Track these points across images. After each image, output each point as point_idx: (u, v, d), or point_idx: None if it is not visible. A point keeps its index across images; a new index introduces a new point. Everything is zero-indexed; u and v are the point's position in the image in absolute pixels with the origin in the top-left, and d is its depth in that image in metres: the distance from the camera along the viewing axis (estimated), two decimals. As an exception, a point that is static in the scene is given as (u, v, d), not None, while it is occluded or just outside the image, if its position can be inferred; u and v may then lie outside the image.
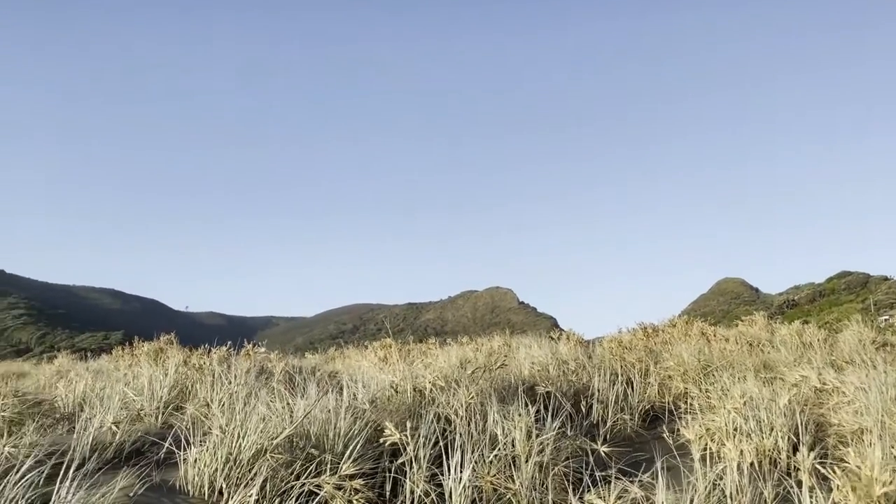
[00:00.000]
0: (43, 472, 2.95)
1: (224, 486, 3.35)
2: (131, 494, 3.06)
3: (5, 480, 2.92)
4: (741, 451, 3.76)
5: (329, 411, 3.93)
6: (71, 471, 2.81)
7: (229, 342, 7.83)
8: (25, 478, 2.88)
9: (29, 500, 2.73)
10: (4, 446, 3.45)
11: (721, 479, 3.49)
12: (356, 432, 3.81)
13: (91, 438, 3.83)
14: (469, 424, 4.08)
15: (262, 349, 7.00)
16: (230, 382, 5.29)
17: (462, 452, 3.53)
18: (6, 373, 11.84)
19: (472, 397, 4.46)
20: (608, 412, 5.50)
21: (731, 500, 3.41)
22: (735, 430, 4.61)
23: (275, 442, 3.49)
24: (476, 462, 3.60)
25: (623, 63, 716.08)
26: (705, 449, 4.17)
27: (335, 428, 3.79)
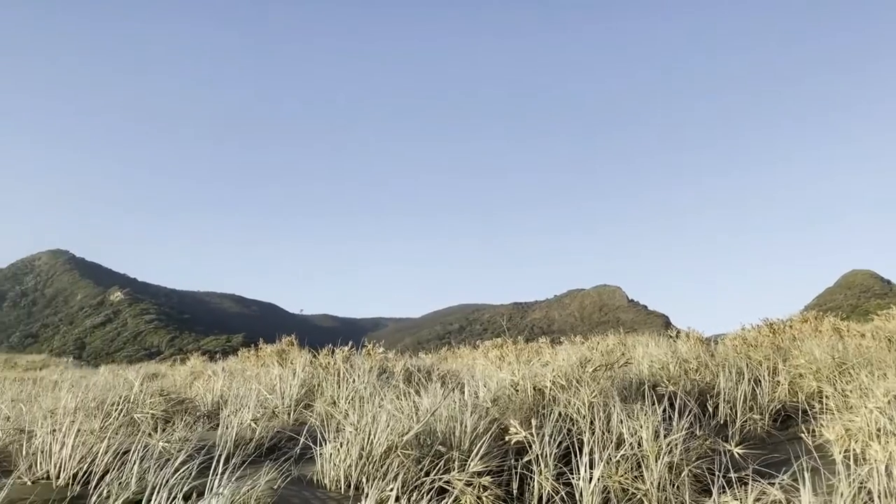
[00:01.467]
0: (195, 465, 3.17)
1: (362, 480, 3.48)
2: (275, 487, 3.24)
3: (164, 472, 3.16)
4: (890, 453, 3.54)
5: (453, 409, 4.00)
6: (221, 464, 3.01)
7: (350, 343, 8.10)
8: (179, 471, 3.11)
9: (187, 490, 2.93)
10: (159, 441, 3.73)
11: (867, 481, 3.30)
12: (481, 430, 3.86)
13: (234, 434, 4.09)
14: (592, 424, 4.05)
15: (381, 349, 7.21)
16: (354, 381, 5.49)
17: (590, 452, 3.51)
18: (146, 374, 12.76)
19: (595, 396, 4.41)
20: (736, 412, 5.29)
21: (880, 503, 3.21)
22: (879, 430, 4.32)
23: (404, 439, 3.60)
24: (603, 462, 3.57)
25: (721, 50, 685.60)
26: (846, 450, 3.94)
27: (461, 426, 3.86)
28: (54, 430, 4.08)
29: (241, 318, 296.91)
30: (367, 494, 2.71)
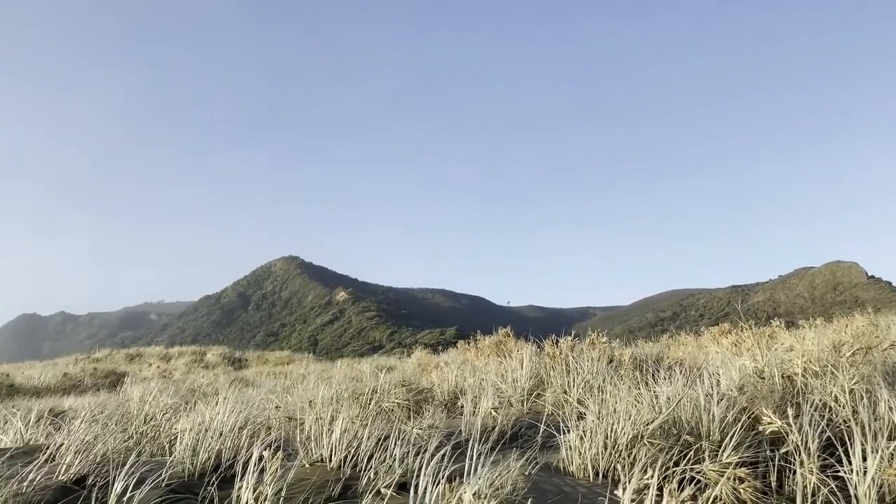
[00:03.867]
0: (447, 450, 3.36)
1: (609, 469, 3.50)
2: (526, 473, 3.35)
3: (420, 458, 3.40)
4: None
5: (696, 398, 3.87)
6: (474, 449, 3.17)
7: (562, 332, 8.08)
8: (435, 456, 3.32)
9: (446, 473, 3.12)
10: (413, 428, 4.03)
11: None
12: (730, 420, 3.69)
13: (480, 423, 4.29)
14: (855, 412, 3.70)
15: (605, 338, 7.13)
16: (583, 370, 5.50)
17: (860, 443, 3.21)
18: (378, 366, 13.76)
19: (856, 382, 4.02)
20: None
21: None
22: None
23: (649, 428, 3.54)
24: (878, 455, 3.24)
25: None
26: None
27: (708, 415, 3.72)
28: (318, 419, 4.55)
29: (452, 311, 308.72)
30: (625, 483, 2.71)
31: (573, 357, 5.82)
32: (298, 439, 4.20)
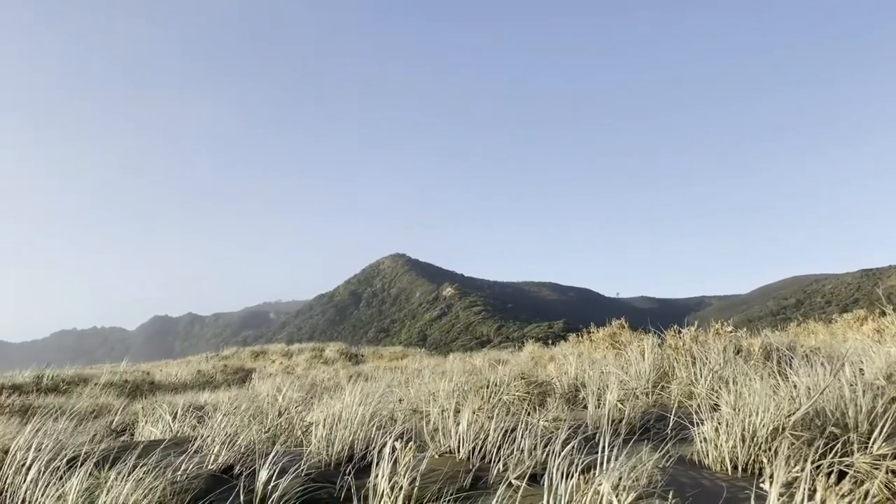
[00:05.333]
0: (576, 442, 3.34)
1: (749, 462, 3.36)
2: (660, 466, 3.27)
3: (548, 450, 3.40)
4: None
5: (839, 388, 3.65)
6: (604, 441, 3.12)
7: (676, 324, 7.81)
8: (565, 448, 3.29)
9: (578, 465, 3.09)
10: (539, 420, 4.02)
11: None
12: (880, 410, 3.46)
13: (608, 414, 4.23)
14: None
15: (730, 328, 6.84)
16: (709, 361, 5.30)
17: None
18: (491, 360, 13.84)
19: None
20: None
21: None
22: None
23: (791, 419, 3.38)
24: None
25: None
26: None
27: (855, 405, 3.50)
28: (443, 411, 4.63)
29: (559, 304, 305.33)
30: (771, 476, 2.59)
31: (698, 347, 5.63)
32: (425, 431, 4.29)
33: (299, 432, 4.98)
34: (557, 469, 2.86)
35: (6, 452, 4.12)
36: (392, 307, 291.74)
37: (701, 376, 5.05)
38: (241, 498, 3.28)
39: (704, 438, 3.61)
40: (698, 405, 4.34)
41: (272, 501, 3.24)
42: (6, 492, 3.55)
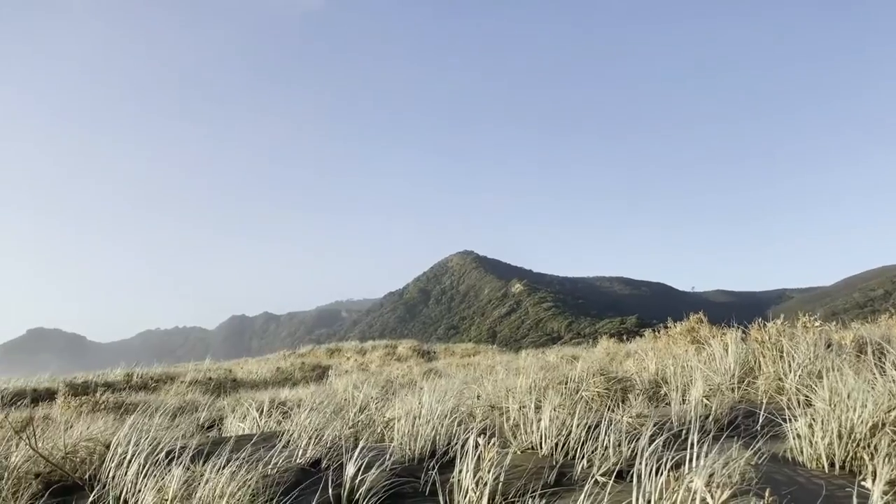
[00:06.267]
0: (661, 439, 3.27)
1: (862, 459, 3.23)
2: (753, 463, 3.18)
3: (636, 445, 3.35)
4: None
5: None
6: (694, 437, 3.04)
7: (773, 317, 7.53)
8: (651, 445, 3.23)
9: (665, 461, 3.02)
10: (623, 416, 3.97)
11: None
12: None
13: (694, 410, 4.13)
14: None
15: (818, 321, 6.57)
16: (798, 355, 5.11)
17: None
18: (564, 356, 13.69)
19: None
20: None
21: None
22: None
23: (892, 415, 3.22)
24: None
25: None
26: None
27: (963, 401, 3.32)
28: (522, 407, 4.62)
29: (632, 299, 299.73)
30: (875, 473, 2.48)
31: (786, 341, 5.43)
32: (505, 427, 4.29)
33: (380, 428, 5.07)
34: (645, 465, 2.81)
35: (107, 447, 4.35)
36: (461, 304, 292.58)
37: (790, 371, 4.87)
38: (330, 491, 3.37)
39: (798, 435, 3.48)
40: (788, 400, 4.19)
41: (360, 495, 3.31)
42: (110, 484, 3.74)
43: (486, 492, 3.06)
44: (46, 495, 3.81)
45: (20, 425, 7.00)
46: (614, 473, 3.25)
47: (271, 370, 19.43)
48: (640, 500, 2.69)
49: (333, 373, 18.33)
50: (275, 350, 33.05)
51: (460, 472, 3.22)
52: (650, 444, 3.14)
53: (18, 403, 10.76)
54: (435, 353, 26.61)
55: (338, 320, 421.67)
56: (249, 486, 3.32)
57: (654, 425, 3.73)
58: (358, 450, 3.51)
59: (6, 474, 4.00)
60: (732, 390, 5.13)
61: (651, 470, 2.78)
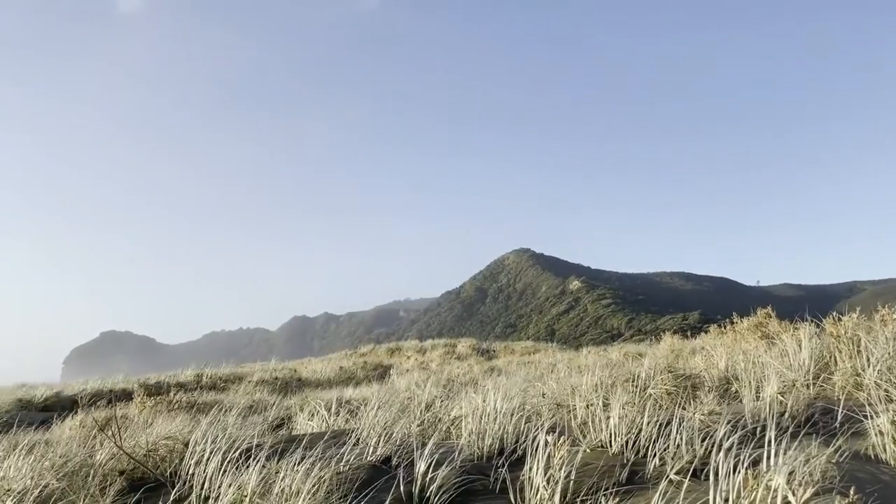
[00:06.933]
0: (736, 437, 3.20)
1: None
2: (834, 461, 3.09)
3: (710, 443, 3.29)
4: None
5: None
6: (772, 435, 2.96)
7: (846, 310, 7.27)
8: (725, 443, 3.17)
9: (742, 460, 2.96)
10: (695, 413, 3.91)
11: None
12: None
13: (769, 407, 4.03)
14: None
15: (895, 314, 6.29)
16: (877, 350, 4.93)
17: None
18: (627, 353, 13.52)
19: None
20: None
21: None
22: None
23: None
24: None
25: None
26: None
27: None
28: (589, 405, 4.59)
29: (694, 294, 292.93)
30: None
31: (863, 335, 5.23)
32: (573, 425, 4.27)
33: (446, 426, 5.11)
34: (723, 464, 2.76)
35: (186, 445, 4.51)
36: (518, 302, 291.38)
37: (868, 365, 4.70)
38: (402, 488, 3.42)
39: (880, 431, 3.37)
40: (868, 396, 4.05)
41: (431, 492, 3.35)
42: (190, 481, 3.89)
43: (558, 490, 3.06)
44: (131, 492, 3.98)
45: (102, 424, 7.32)
46: (689, 472, 3.20)
47: (334, 369, 19.75)
48: (718, 498, 2.64)
49: (395, 372, 18.54)
50: (336, 350, 33.61)
51: (531, 469, 3.22)
52: (723, 442, 3.09)
53: (97, 404, 11.22)
54: (494, 351, 26.59)
55: (396, 320, 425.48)
56: (324, 482, 3.40)
57: (728, 423, 3.65)
58: (427, 447, 3.55)
59: (92, 472, 4.20)
60: (808, 387, 4.97)
61: (728, 468, 2.73)
